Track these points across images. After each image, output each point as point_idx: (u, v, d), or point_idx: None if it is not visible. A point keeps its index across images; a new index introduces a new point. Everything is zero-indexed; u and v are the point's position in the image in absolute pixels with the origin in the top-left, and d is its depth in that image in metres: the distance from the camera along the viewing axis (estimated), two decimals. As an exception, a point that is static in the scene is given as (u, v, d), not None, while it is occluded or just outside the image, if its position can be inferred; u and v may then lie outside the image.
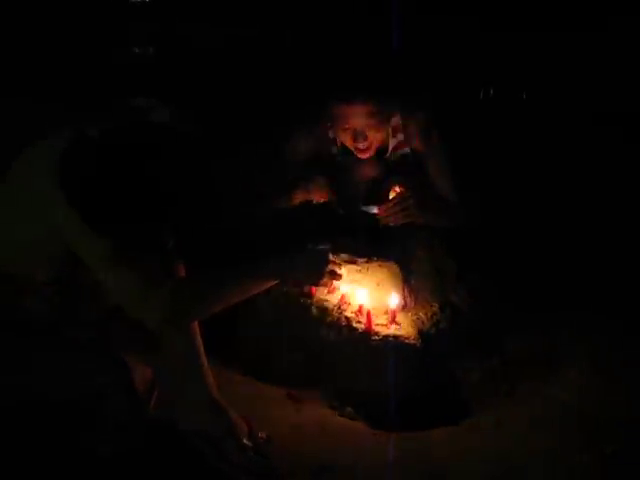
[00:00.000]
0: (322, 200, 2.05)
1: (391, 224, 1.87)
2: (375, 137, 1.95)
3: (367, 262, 1.88)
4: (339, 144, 2.11)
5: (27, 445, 1.21)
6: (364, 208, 1.93)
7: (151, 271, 1.24)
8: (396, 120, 2.05)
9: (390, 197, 1.92)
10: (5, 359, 1.28)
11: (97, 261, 1.23)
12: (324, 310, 1.78)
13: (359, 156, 2.00)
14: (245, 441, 1.39)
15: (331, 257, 1.54)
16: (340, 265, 1.59)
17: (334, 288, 1.81)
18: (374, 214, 1.89)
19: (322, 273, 1.49)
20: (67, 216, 1.21)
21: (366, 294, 1.79)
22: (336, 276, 1.53)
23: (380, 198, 1.95)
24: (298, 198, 2.06)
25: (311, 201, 2.06)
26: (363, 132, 1.91)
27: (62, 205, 1.20)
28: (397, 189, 1.92)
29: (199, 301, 1.32)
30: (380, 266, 1.88)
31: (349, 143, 1.98)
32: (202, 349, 1.46)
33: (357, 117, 1.89)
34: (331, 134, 2.11)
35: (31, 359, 1.29)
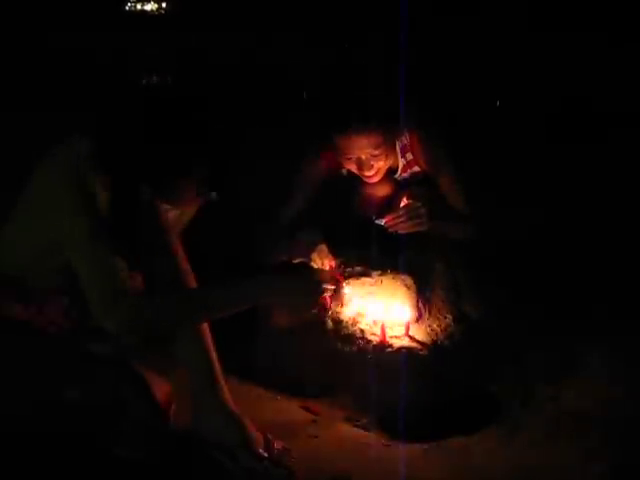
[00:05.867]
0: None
1: (400, 232, 1.87)
2: (381, 164, 1.92)
3: (381, 274, 1.89)
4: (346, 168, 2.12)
5: (47, 449, 1.25)
6: (376, 222, 1.95)
7: (120, 278, 1.26)
8: (404, 140, 2.03)
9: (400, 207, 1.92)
10: (25, 365, 1.32)
11: (79, 254, 1.25)
12: (339, 322, 1.80)
13: (367, 181, 2.01)
14: (260, 451, 1.41)
15: (319, 277, 1.48)
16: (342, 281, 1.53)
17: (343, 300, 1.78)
18: (385, 227, 1.91)
19: (312, 299, 1.47)
20: (72, 224, 1.25)
21: (380, 306, 1.81)
22: (334, 293, 1.48)
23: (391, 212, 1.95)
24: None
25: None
26: (367, 162, 1.88)
27: (68, 212, 1.25)
28: (406, 200, 1.93)
29: (161, 318, 1.34)
30: (394, 278, 1.89)
31: (356, 171, 1.96)
32: (217, 362, 1.49)
33: (359, 149, 1.86)
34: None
35: (51, 366, 1.33)
